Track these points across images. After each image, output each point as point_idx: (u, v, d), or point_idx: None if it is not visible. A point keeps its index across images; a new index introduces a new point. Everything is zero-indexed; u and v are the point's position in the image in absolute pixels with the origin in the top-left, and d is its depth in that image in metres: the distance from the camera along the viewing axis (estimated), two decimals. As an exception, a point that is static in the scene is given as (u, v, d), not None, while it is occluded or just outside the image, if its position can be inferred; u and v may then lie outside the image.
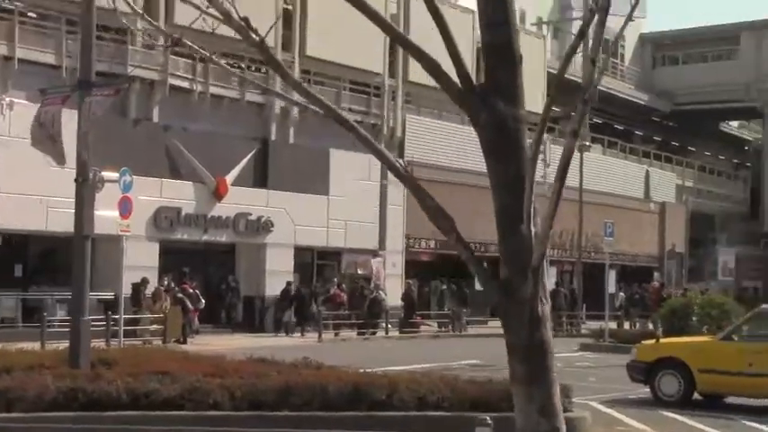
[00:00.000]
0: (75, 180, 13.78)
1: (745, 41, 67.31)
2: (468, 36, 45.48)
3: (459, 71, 4.36)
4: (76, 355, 14.14)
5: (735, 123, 76.48)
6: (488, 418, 7.35)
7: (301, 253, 35.67)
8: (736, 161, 72.90)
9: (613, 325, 31.66)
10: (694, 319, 25.90)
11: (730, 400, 16.99)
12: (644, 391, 17.58)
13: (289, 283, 33.60)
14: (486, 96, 4.16)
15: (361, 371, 15.91)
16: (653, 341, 16.89)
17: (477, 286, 42.03)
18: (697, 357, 15.99)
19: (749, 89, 65.73)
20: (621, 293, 43.84)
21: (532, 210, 4.26)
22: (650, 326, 37.52)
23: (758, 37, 66.56)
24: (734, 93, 65.84)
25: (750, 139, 75.20)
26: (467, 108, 4.37)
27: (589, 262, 46.65)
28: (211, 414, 12.45)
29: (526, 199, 4.32)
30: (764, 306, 17.33)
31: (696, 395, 16.54)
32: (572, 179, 46.05)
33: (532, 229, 4.37)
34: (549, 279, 45.33)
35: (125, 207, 19.69)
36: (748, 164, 72.51)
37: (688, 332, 24.25)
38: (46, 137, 13.58)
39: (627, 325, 37.79)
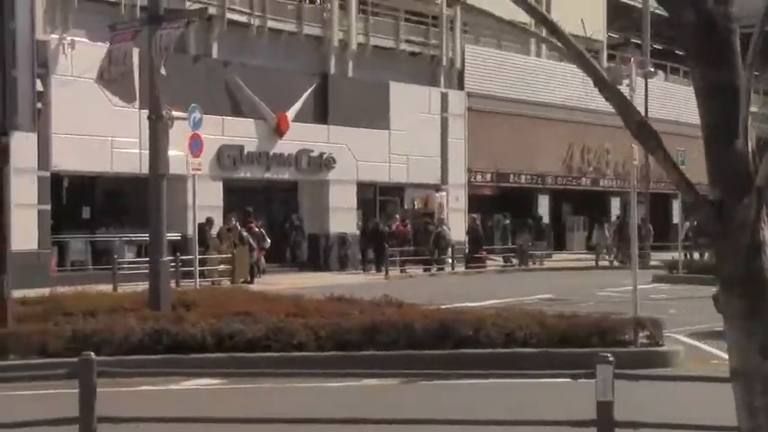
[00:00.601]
0: (149, 118, 13.48)
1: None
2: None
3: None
4: (157, 297, 13.99)
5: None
6: (609, 355, 6.95)
7: (363, 189, 35.35)
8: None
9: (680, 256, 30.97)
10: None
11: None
12: (729, 323, 17.09)
13: (367, 221, 33.67)
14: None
15: (442, 307, 15.66)
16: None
17: (545, 219, 41.73)
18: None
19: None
20: (687, 223, 43.09)
21: (749, 121, 3.77)
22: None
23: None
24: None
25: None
26: (666, 4, 3.82)
27: (654, 192, 45.87)
28: (297, 355, 12.26)
29: (742, 108, 3.79)
30: None
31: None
32: (640, 107, 45.25)
33: (749, 144, 3.86)
34: (613, 211, 44.81)
35: (196, 145, 19.38)
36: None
37: None
38: (119, 74, 13.25)
39: (696, 255, 36.99)
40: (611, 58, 50.40)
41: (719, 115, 3.73)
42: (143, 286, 16.08)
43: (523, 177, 40.95)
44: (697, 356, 13.74)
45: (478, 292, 24.01)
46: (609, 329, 12.76)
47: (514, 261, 36.26)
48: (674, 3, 3.60)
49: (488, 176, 39.82)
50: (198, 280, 20.86)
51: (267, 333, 12.57)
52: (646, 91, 39.93)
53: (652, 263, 36.25)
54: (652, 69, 43.74)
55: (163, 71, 13.16)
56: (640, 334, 12.70)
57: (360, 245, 33.75)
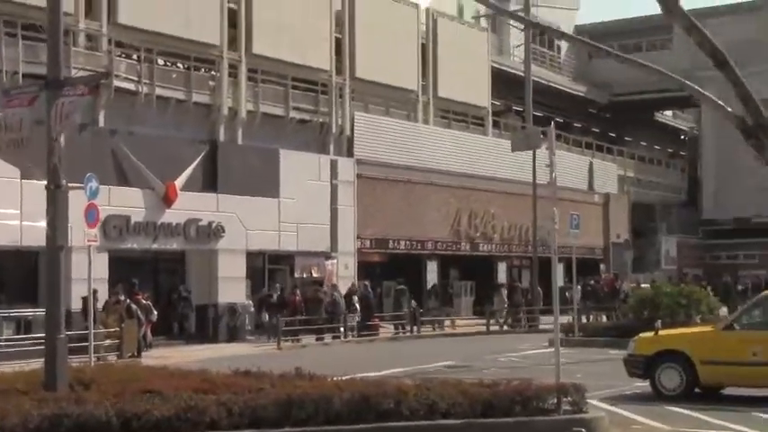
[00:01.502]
0: (47, 187, 12.72)
1: (678, 30, 67.50)
2: (412, 31, 44.96)
3: (748, 107, 3.49)
4: (54, 376, 13.10)
5: (669, 113, 77.12)
6: (583, 430, 6.61)
7: (253, 258, 34.67)
8: (671, 150, 73.45)
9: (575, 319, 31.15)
10: (663, 309, 25.57)
11: (728, 391, 16.53)
12: (638, 386, 17.06)
13: (269, 289, 33.70)
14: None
15: (346, 378, 15.17)
16: (651, 334, 16.33)
17: (430, 286, 41.61)
18: (699, 349, 15.49)
19: (684, 78, 66.04)
20: (579, 287, 43.65)
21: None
22: (605, 318, 37.41)
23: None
24: (668, 82, 66.22)
25: (684, 128, 75.88)
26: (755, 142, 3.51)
27: (539, 256, 46.34)
28: (211, 434, 11.55)
29: None
30: (765, 293, 16.92)
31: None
32: (524, 173, 45.86)
33: None
34: (500, 274, 45.06)
35: (92, 215, 18.47)
36: (682, 153, 73.15)
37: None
38: (12, 142, 12.50)
39: (584, 319, 37.31)
40: (495, 124, 51.12)
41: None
42: (26, 365, 15.17)
43: (412, 243, 40.84)
44: (618, 422, 13.54)
45: (378, 361, 23.58)
46: (532, 397, 12.43)
47: (407, 328, 35.86)
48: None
49: (377, 243, 39.58)
50: (75, 357, 19.75)
51: (177, 412, 11.81)
52: (534, 158, 40.38)
53: (542, 327, 36.47)
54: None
55: (62, 140, 12.50)
56: (564, 400, 12.43)
57: (261, 314, 33.04)
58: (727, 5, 67.11)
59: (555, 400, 12.47)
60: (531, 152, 42.11)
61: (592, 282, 42.55)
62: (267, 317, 33.13)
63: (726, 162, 62.92)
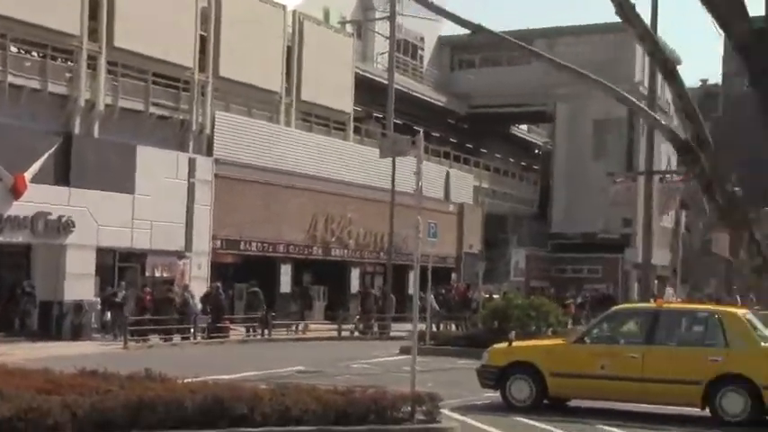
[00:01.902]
0: None
1: (537, 46, 68.95)
2: (278, 32, 44.70)
3: (728, 9, 3.38)
4: None
5: (524, 127, 78.88)
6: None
7: (103, 255, 33.78)
8: (524, 163, 75.06)
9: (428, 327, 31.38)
10: (514, 320, 26.05)
11: (575, 403, 16.89)
12: (488, 396, 17.26)
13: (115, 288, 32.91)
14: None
15: (197, 380, 14.90)
16: (505, 345, 16.55)
17: (283, 289, 41.40)
18: (549, 361, 15.78)
19: (539, 94, 67.92)
20: (431, 295, 44.05)
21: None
22: (454, 328, 37.90)
23: (549, 43, 68.70)
24: (525, 97, 67.90)
25: (538, 142, 77.71)
26: (746, 53, 3.41)
27: (393, 263, 46.67)
28: (54, 437, 11.13)
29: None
30: (615, 308, 17.36)
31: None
32: (382, 180, 46.06)
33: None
34: (353, 281, 45.14)
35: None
36: (536, 166, 74.88)
37: (508, 333, 24.36)
38: None
39: (434, 327, 37.60)
40: (356, 130, 51.26)
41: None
42: None
43: (267, 246, 40.52)
44: (469, 432, 13.68)
45: (228, 364, 23.28)
46: (387, 405, 12.43)
47: (258, 331, 35.50)
48: (756, 49, 3.21)
49: (232, 244, 39.12)
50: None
51: (17, 413, 11.34)
52: (393, 165, 40.63)
53: (393, 334, 36.71)
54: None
55: None
56: (418, 410, 12.47)
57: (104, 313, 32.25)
58: (583, 26, 69.07)
59: (409, 409, 12.51)
60: (390, 159, 42.40)
61: (443, 291, 42.99)
62: (110, 316, 32.43)
63: (576, 177, 64.72)
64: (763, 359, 14.40)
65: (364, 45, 60.00)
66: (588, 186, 64.24)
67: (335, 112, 48.91)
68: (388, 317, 38.48)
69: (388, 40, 61.81)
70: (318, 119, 47.91)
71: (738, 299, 35.60)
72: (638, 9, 7.55)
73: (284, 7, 45.86)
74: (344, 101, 49.51)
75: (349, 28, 56.61)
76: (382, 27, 62.44)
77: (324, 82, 47.18)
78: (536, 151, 75.99)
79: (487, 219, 58.28)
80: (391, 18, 58.89)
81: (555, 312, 26.81)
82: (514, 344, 16.48)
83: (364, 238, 45.92)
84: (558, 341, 16.91)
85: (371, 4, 63.81)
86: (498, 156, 70.45)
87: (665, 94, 76.40)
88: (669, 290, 36.04)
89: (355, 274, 45.68)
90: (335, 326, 37.57)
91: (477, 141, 68.98)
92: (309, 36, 46.93)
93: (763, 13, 3.24)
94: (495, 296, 38.35)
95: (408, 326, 40.97)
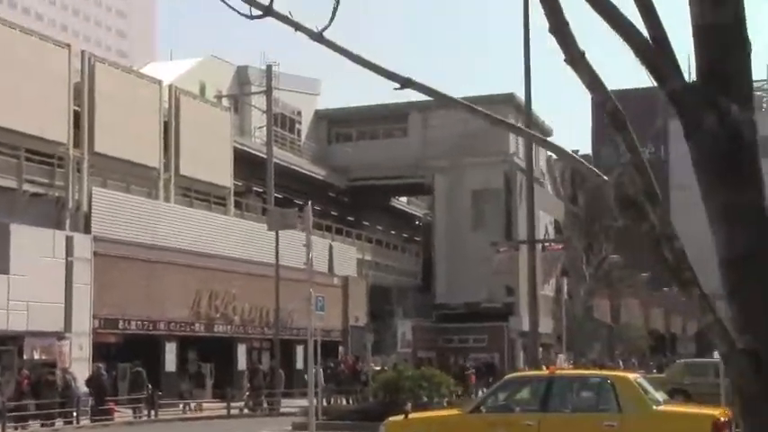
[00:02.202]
0: None
1: (412, 120, 70.47)
2: (154, 107, 44.32)
3: (662, 63, 3.30)
4: None
5: (404, 199, 79.63)
6: None
7: (-24, 338, 32.51)
8: (406, 235, 75.62)
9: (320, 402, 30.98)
10: (406, 391, 25.94)
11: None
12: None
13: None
14: (712, 94, 3.16)
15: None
16: (401, 417, 16.37)
17: (168, 367, 40.45)
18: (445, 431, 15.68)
19: (417, 166, 68.80)
20: (320, 369, 43.62)
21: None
22: (344, 401, 37.58)
23: (424, 116, 69.90)
24: (404, 169, 68.64)
25: (418, 214, 78.45)
26: (681, 108, 3.32)
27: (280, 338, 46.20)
28: None
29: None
30: (509, 376, 17.40)
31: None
32: (264, 255, 45.74)
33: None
34: (240, 357, 44.43)
35: None
36: (417, 238, 75.50)
37: (401, 406, 24.25)
38: None
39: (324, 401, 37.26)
40: (237, 204, 50.90)
41: (743, 244, 3.22)
42: None
43: (150, 324, 39.61)
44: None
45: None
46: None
47: (145, 412, 34.52)
48: (692, 105, 3.15)
49: (114, 323, 38.11)
50: None
51: None
52: (277, 240, 40.46)
53: (283, 410, 36.18)
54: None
55: None
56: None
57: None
58: (456, 99, 70.31)
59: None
60: (273, 233, 42.16)
61: (332, 364, 42.66)
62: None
63: (457, 248, 65.41)
64: (655, 423, 14.58)
65: (241, 119, 60.02)
66: (469, 256, 64.96)
67: (215, 186, 48.54)
68: (278, 392, 37.93)
69: (264, 114, 62.11)
70: (198, 194, 47.43)
71: (621, 363, 36.29)
72: (510, 86, 7.63)
73: (160, 82, 45.55)
74: (224, 175, 49.19)
75: (225, 102, 56.56)
76: (259, 101, 62.65)
77: (202, 156, 46.85)
78: (417, 223, 76.69)
79: (372, 291, 58.34)
80: (267, 92, 59.17)
81: (447, 383, 26.80)
82: (411, 416, 16.33)
83: (249, 313, 45.36)
84: (454, 412, 16.83)
85: (247, 78, 63.99)
86: (379, 228, 70.86)
87: (540, 163, 78.39)
88: (561, 356, 36.55)
89: (242, 350, 44.97)
90: (224, 403, 36.80)
91: (358, 214, 69.30)
92: (186, 111, 46.64)
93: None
94: (385, 368, 38.21)
95: (299, 401, 40.61)
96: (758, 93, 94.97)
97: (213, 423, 32.40)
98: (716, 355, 36.84)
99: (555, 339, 60.89)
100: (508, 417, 15.61)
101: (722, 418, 14.78)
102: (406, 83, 3.89)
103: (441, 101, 4.02)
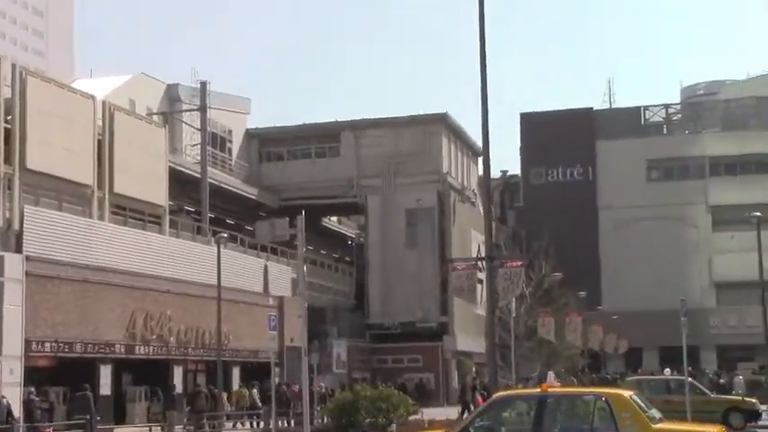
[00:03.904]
0: None
1: (345, 139, 69.94)
2: (88, 123, 43.05)
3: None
4: None
5: (335, 219, 78.87)
6: None
7: None
8: (337, 256, 74.82)
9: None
10: (363, 413, 25.22)
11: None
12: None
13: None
14: None
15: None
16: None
17: (103, 391, 38.99)
18: (433, 454, 15.00)
19: (350, 186, 68.24)
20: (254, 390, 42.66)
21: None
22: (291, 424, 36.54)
23: (356, 136, 69.44)
24: (336, 189, 68.03)
25: (350, 234, 77.75)
26: None
27: (213, 359, 45.08)
28: None
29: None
30: (498, 395, 16.77)
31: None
32: (200, 275, 44.73)
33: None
34: (177, 378, 43.14)
35: None
36: (347, 258, 74.76)
37: (357, 427, 23.58)
38: None
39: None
40: (172, 224, 49.63)
41: None
42: None
43: (85, 346, 38.15)
44: None
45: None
46: None
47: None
48: None
49: (48, 346, 36.60)
50: None
51: None
52: (219, 260, 39.49)
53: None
54: (225, 235, 43.67)
55: None
56: None
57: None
58: (389, 118, 70.11)
59: None
60: (206, 254, 41.10)
61: (284, 386, 41.75)
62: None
63: (390, 267, 64.95)
64: (656, 441, 14.06)
65: (172, 137, 58.71)
66: (403, 276, 64.55)
67: (150, 204, 47.24)
68: (221, 415, 36.89)
69: (194, 133, 60.94)
70: (133, 212, 46.08)
71: (557, 381, 36.02)
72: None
73: (93, 98, 44.23)
74: (159, 193, 47.92)
75: (157, 119, 55.33)
76: (188, 119, 61.49)
77: (137, 174, 45.57)
78: (349, 243, 76.02)
79: (307, 311, 57.34)
80: (202, 110, 58.20)
81: (405, 403, 26.10)
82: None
83: (186, 334, 44.12)
84: (442, 432, 16.14)
85: (178, 96, 62.86)
86: (311, 248, 69.89)
87: (471, 183, 78.41)
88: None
89: (178, 372, 43.64)
90: (160, 427, 35.56)
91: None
92: (121, 127, 45.35)
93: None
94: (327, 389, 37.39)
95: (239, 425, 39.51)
96: (676, 116, 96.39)
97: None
98: (666, 372, 36.70)
99: (488, 360, 60.58)
100: (496, 437, 14.98)
101: (723, 437, 14.35)
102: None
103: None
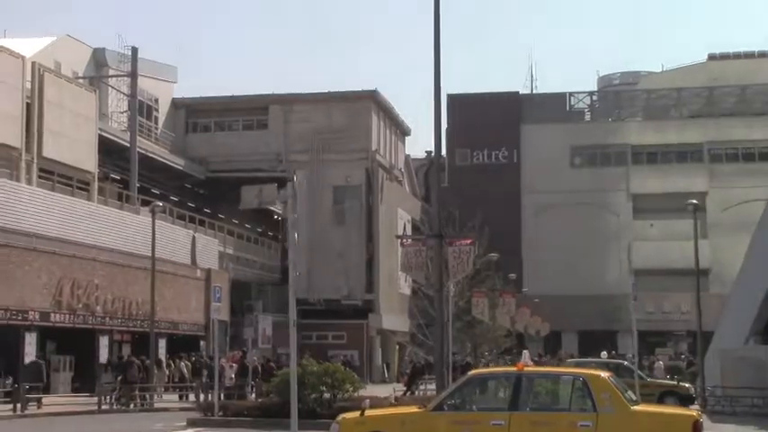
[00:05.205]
0: None
1: (273, 113, 69.11)
2: (17, 84, 41.69)
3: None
4: None
5: (261, 192, 77.88)
6: None
7: None
8: (261, 230, 73.98)
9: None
10: (309, 389, 24.84)
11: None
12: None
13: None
14: None
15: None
16: (357, 414, 15.26)
17: (27, 359, 37.87)
18: (408, 430, 14.68)
19: (278, 160, 67.46)
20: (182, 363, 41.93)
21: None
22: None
23: (285, 110, 68.65)
24: (263, 162, 67.16)
25: (277, 210, 76.88)
26: None
27: (140, 330, 44.22)
28: None
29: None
30: (473, 372, 16.52)
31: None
32: (129, 245, 43.78)
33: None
34: (102, 350, 42.13)
35: None
36: (271, 233, 73.98)
37: (303, 402, 23.15)
38: None
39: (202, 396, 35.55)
40: (101, 191, 48.44)
41: None
42: None
43: (9, 313, 36.97)
44: None
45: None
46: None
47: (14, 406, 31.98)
48: None
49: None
50: None
51: None
52: (153, 228, 38.62)
53: (158, 405, 34.52)
54: (160, 204, 42.74)
55: None
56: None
57: None
58: (318, 93, 69.53)
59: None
60: (137, 224, 40.13)
61: (207, 359, 41.06)
62: None
63: (317, 244, 64.36)
64: (634, 423, 13.96)
65: (99, 100, 57.34)
66: (329, 252, 64.08)
67: (79, 171, 46.00)
68: (157, 386, 36.22)
69: (121, 99, 59.52)
70: (61, 177, 44.80)
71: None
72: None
73: (23, 58, 42.82)
74: (88, 159, 46.71)
75: (85, 84, 53.88)
76: (114, 84, 60.01)
77: (66, 139, 44.32)
78: (275, 218, 75.21)
79: (233, 285, 56.62)
80: (132, 76, 56.83)
81: (351, 379, 25.74)
82: (367, 413, 15.25)
83: (113, 304, 43.08)
84: (415, 409, 15.82)
85: (105, 60, 61.22)
86: (235, 221, 69.09)
87: (399, 162, 78.25)
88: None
89: (104, 343, 42.59)
90: (90, 398, 34.60)
91: (217, 206, 67.36)
92: (50, 90, 44.02)
93: None
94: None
95: (168, 396, 38.79)
96: (599, 104, 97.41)
97: (85, 419, 30.17)
98: (603, 355, 36.98)
99: (410, 338, 60.58)
100: (470, 415, 14.75)
101: (700, 419, 14.34)
102: None
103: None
